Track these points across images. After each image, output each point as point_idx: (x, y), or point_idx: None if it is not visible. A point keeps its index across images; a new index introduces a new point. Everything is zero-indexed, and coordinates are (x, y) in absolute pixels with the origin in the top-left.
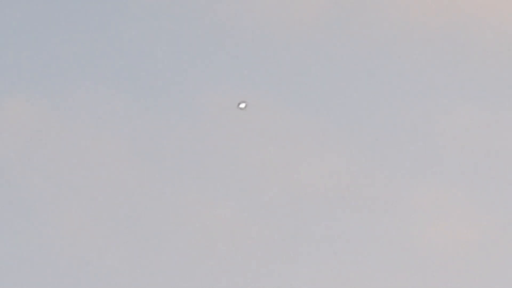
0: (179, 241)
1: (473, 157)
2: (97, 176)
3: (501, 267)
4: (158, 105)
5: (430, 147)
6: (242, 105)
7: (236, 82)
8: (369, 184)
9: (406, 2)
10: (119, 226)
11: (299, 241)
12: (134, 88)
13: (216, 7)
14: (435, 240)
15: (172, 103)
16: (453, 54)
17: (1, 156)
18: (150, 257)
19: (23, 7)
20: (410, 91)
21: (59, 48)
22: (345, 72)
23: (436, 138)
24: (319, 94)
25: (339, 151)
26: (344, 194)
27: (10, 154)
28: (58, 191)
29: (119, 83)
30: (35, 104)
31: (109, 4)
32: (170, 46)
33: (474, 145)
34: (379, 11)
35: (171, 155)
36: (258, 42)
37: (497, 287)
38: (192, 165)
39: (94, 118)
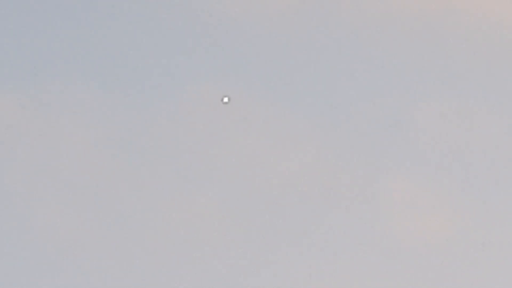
0: (158, 234)
1: (449, 152)
2: (73, 171)
3: (477, 261)
4: (137, 98)
5: (406, 141)
6: (225, 100)
7: (219, 77)
8: (346, 178)
9: None
10: (97, 219)
11: (277, 233)
12: (113, 83)
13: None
14: (411, 234)
15: (151, 95)
16: (425, 48)
17: None
18: (129, 250)
19: None
20: (387, 85)
21: (32, 42)
22: (322, 66)
23: (412, 133)
24: (298, 88)
25: (316, 145)
26: (320, 188)
27: None
28: (33, 186)
29: (98, 78)
30: (7, 98)
31: None
32: (150, 40)
33: (450, 139)
34: (356, 5)
35: (151, 149)
36: (242, 37)
37: (474, 281)
38: (172, 158)
39: (69, 113)
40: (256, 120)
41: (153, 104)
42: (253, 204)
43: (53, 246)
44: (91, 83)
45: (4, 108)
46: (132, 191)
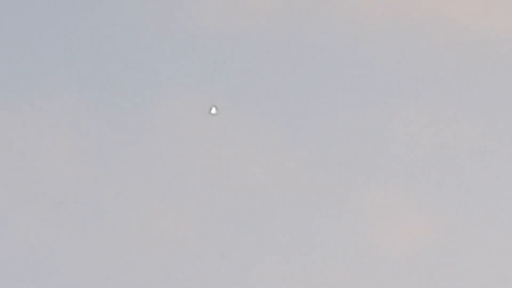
0: (140, 242)
1: (427, 160)
2: (54, 179)
3: (454, 269)
4: (121, 107)
5: (380, 147)
6: (213, 110)
7: (206, 87)
8: (325, 186)
9: (356, 2)
10: (67, 227)
11: (258, 240)
12: (98, 92)
13: (183, 9)
14: (389, 242)
15: (135, 103)
16: (403, 57)
17: None
18: (96, 258)
19: None
20: (364, 93)
21: (13, 50)
22: (305, 76)
23: (387, 139)
24: (279, 98)
25: (295, 154)
26: (300, 196)
27: None
28: (13, 194)
29: (80, 87)
30: None
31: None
32: (137, 48)
33: (428, 148)
34: (337, 15)
35: (135, 157)
36: (229, 46)
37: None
38: (155, 167)
39: (51, 122)
40: (239, 129)
41: (138, 113)
42: (233, 213)
43: (32, 255)
44: (74, 91)
45: None
46: (114, 199)
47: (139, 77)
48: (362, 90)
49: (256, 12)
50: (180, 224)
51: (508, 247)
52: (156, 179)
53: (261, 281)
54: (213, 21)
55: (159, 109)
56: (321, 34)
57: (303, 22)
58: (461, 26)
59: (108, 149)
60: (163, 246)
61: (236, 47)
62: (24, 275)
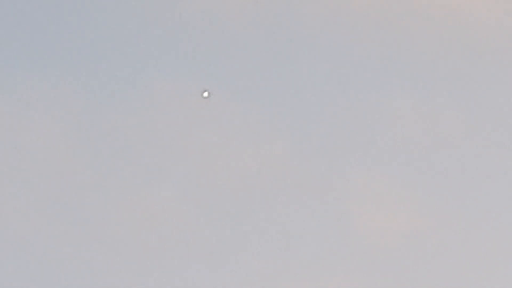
0: (126, 227)
1: (414, 146)
2: (43, 165)
3: (439, 256)
4: (113, 93)
5: (365, 135)
6: (205, 94)
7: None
8: (312, 172)
9: None
10: (59, 212)
11: (244, 224)
12: (90, 79)
13: None
14: (375, 227)
15: (126, 88)
16: (393, 46)
17: None
18: (90, 243)
19: None
20: (349, 81)
21: (2, 38)
22: (293, 63)
23: (377, 127)
24: (267, 84)
25: (282, 139)
26: (287, 181)
27: None
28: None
29: (71, 74)
30: None
31: None
32: (129, 34)
33: (415, 134)
34: (328, 4)
35: (125, 143)
36: (223, 34)
37: (435, 276)
38: (142, 152)
39: (41, 109)
40: (228, 115)
41: (130, 97)
42: (220, 197)
43: (18, 242)
44: (66, 77)
45: None
46: (101, 184)
47: (131, 62)
48: (349, 80)
49: None
50: (169, 207)
51: (492, 233)
52: (146, 162)
53: (248, 265)
54: (207, 8)
55: (151, 93)
56: (311, 24)
57: (294, 12)
58: (461, 19)
59: (99, 134)
60: (152, 228)
61: (229, 34)
62: (17, 262)
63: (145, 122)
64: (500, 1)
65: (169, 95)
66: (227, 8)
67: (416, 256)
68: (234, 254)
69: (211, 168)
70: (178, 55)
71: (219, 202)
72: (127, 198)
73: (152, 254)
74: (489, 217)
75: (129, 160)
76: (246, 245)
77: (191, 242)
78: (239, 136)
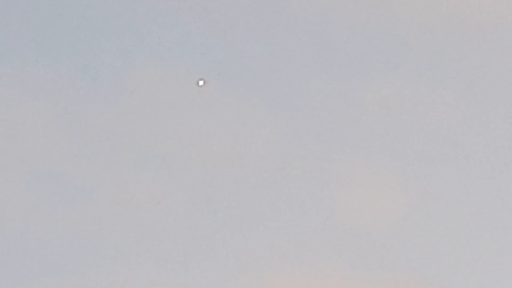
0: (105, 214)
1: (401, 131)
2: (30, 153)
3: (429, 240)
4: (105, 80)
5: (356, 118)
6: (201, 83)
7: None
8: (299, 157)
9: None
10: (49, 198)
11: (233, 211)
12: (74, 62)
13: None
14: (364, 214)
15: (115, 71)
16: (383, 25)
17: None
18: (80, 230)
19: None
20: (340, 62)
21: None
22: (279, 49)
23: (363, 109)
24: (256, 72)
25: (270, 124)
26: (274, 165)
27: None
28: None
29: (58, 57)
30: None
31: None
32: (119, 17)
33: (402, 119)
34: None
35: (110, 128)
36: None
37: (426, 260)
38: (127, 139)
39: (27, 95)
40: (221, 99)
41: (121, 82)
42: (213, 182)
43: (10, 232)
44: (55, 60)
45: None
46: (97, 170)
47: (123, 46)
48: (339, 61)
49: None
50: (163, 193)
51: (485, 218)
52: (139, 148)
53: (242, 249)
54: None
55: (144, 78)
56: (306, 11)
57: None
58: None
59: (88, 122)
60: (146, 216)
61: (225, 18)
62: (10, 243)
63: (137, 109)
64: None
65: (163, 82)
66: None
67: (408, 242)
68: (226, 239)
69: (205, 153)
70: (173, 41)
71: (212, 187)
72: (120, 186)
73: (147, 242)
74: (483, 201)
75: (120, 148)
76: (238, 231)
77: (185, 229)
78: (231, 123)
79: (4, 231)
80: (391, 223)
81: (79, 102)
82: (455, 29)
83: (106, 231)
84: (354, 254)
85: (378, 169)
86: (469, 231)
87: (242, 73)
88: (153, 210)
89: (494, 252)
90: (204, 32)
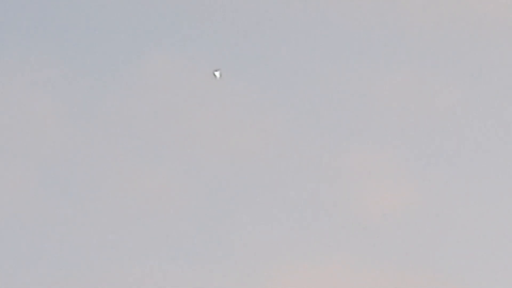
0: (114, 205)
1: (412, 123)
2: (34, 142)
3: (435, 229)
4: (116, 67)
5: (367, 110)
6: (217, 74)
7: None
8: (312, 148)
9: None
10: (53, 190)
11: (245, 199)
12: (90, 52)
13: None
14: (375, 203)
15: (117, 67)
16: (386, 18)
17: None
18: (84, 221)
19: None
20: (346, 54)
21: None
22: (292, 42)
23: (374, 102)
24: (269, 64)
25: (283, 115)
26: (284, 158)
27: None
28: None
29: (63, 50)
30: None
31: None
32: (134, 8)
33: (413, 110)
34: None
35: (122, 117)
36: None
37: (436, 248)
38: (130, 131)
39: (31, 85)
40: (231, 91)
41: (132, 76)
42: (219, 175)
43: (14, 218)
44: (66, 52)
45: None
46: (97, 161)
47: (136, 38)
48: (351, 55)
49: None
50: (171, 181)
51: (491, 206)
52: (148, 140)
53: (250, 240)
54: None
55: (154, 70)
56: (307, 1)
57: None
58: None
59: (100, 111)
60: (152, 202)
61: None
62: (13, 238)
63: (147, 101)
64: None
65: (174, 75)
66: None
67: (418, 233)
68: (235, 231)
69: (215, 144)
70: (191, 33)
71: (223, 177)
72: (127, 177)
73: (153, 233)
74: (490, 189)
75: (129, 139)
76: (247, 223)
77: (194, 219)
78: (241, 115)
79: (12, 219)
80: (401, 215)
81: (89, 94)
82: (460, 22)
83: (114, 220)
84: (364, 246)
85: (388, 161)
86: (479, 222)
87: (253, 66)
88: (161, 201)
89: (507, 241)
90: (216, 25)
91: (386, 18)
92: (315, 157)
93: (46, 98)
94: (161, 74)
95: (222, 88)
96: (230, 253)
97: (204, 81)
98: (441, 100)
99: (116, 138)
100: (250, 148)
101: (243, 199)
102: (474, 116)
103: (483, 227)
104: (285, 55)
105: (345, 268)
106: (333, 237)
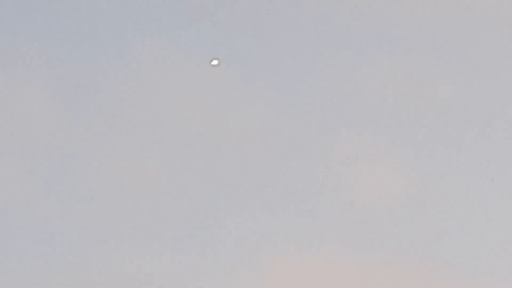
0: (103, 195)
1: (401, 108)
2: (26, 127)
3: (427, 216)
4: (112, 57)
5: (356, 96)
6: (214, 62)
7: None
8: (301, 133)
9: None
10: (45, 177)
11: (230, 191)
12: (87, 39)
13: None
14: (364, 188)
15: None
16: (379, 5)
17: None
18: (76, 208)
19: None
20: (338, 41)
21: None
22: (276, 23)
23: (363, 88)
24: (248, 46)
25: (271, 101)
26: (274, 143)
27: None
28: None
29: (55, 36)
30: None
31: None
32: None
33: (401, 94)
34: None
35: (121, 107)
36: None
37: (428, 236)
38: (124, 117)
39: (24, 70)
40: (221, 79)
41: (129, 62)
42: (211, 162)
43: (9, 203)
44: (58, 38)
45: None
46: (88, 151)
47: (131, 21)
48: (343, 41)
49: None
50: (162, 170)
51: (483, 193)
52: (140, 126)
53: (243, 227)
54: None
55: (147, 55)
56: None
57: None
58: None
59: (92, 96)
60: (143, 191)
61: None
62: (8, 223)
63: (139, 87)
64: None
65: (166, 61)
66: None
67: (409, 219)
68: (228, 219)
69: (206, 131)
70: (188, 21)
71: (213, 167)
72: (119, 164)
73: (146, 221)
74: (480, 176)
75: (121, 125)
76: (239, 210)
77: (186, 206)
78: (233, 102)
79: (7, 206)
80: (393, 202)
81: (79, 83)
82: (450, 7)
83: (106, 208)
84: (356, 233)
85: (380, 149)
86: (471, 209)
87: (243, 53)
88: (152, 191)
89: (497, 228)
90: (220, 12)
91: (379, 5)
92: (306, 145)
93: (36, 87)
94: (151, 62)
95: (213, 76)
96: (222, 242)
97: (196, 69)
98: (434, 88)
99: (107, 128)
100: (241, 135)
101: (234, 188)
102: (466, 103)
103: (475, 213)
104: (277, 42)
105: (336, 255)
106: (324, 225)
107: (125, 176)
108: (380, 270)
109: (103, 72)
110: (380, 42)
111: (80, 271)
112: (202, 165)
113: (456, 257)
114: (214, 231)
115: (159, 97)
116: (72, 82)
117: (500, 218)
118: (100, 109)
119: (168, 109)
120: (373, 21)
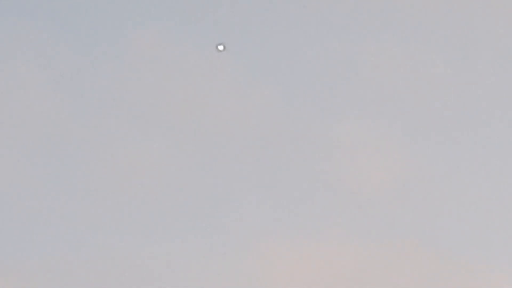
0: (108, 177)
1: (398, 95)
2: (23, 112)
3: (428, 200)
4: (115, 41)
5: (357, 82)
6: (220, 47)
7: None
8: (297, 121)
9: None
10: (46, 161)
11: (230, 177)
12: (88, 25)
13: None
14: (361, 175)
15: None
16: None
17: None
18: (77, 194)
19: None
20: (339, 26)
21: None
22: (279, 18)
23: (363, 73)
24: (249, 31)
25: (266, 86)
26: (275, 131)
27: None
28: None
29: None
30: None
31: None
32: None
33: (401, 80)
34: None
35: (124, 93)
36: None
37: (427, 222)
38: (126, 104)
39: (22, 55)
40: (220, 68)
41: (132, 49)
42: (211, 148)
43: (6, 191)
44: (56, 24)
45: None
46: (87, 135)
47: (132, 8)
48: (343, 26)
49: None
50: (162, 154)
51: (484, 176)
52: (140, 111)
53: (243, 213)
54: None
55: (147, 42)
56: None
57: None
58: None
59: (92, 81)
60: (143, 174)
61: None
62: (6, 213)
63: (140, 73)
64: None
65: (164, 47)
66: None
67: (409, 205)
68: (227, 205)
69: (205, 118)
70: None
71: (213, 153)
72: (119, 149)
73: (147, 204)
74: (481, 165)
75: (120, 110)
76: (239, 197)
77: (187, 191)
78: (233, 89)
79: (5, 188)
80: (395, 187)
81: (78, 68)
82: None
83: (111, 199)
84: (358, 218)
85: (381, 134)
86: (472, 193)
87: (243, 38)
88: (155, 178)
89: (497, 215)
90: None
91: None
92: (307, 130)
93: (35, 72)
94: (149, 48)
95: (212, 60)
96: (225, 229)
97: (193, 55)
98: (434, 75)
99: (105, 112)
100: (242, 121)
101: (236, 174)
102: (466, 90)
103: (476, 198)
104: (278, 26)
105: (339, 240)
106: (327, 210)
107: (129, 166)
108: (382, 257)
109: (105, 61)
110: (380, 29)
111: (86, 262)
112: (203, 149)
113: (457, 243)
114: (216, 217)
115: (163, 85)
116: (73, 71)
117: (501, 204)
118: (102, 97)
119: (173, 97)
120: (375, 8)
